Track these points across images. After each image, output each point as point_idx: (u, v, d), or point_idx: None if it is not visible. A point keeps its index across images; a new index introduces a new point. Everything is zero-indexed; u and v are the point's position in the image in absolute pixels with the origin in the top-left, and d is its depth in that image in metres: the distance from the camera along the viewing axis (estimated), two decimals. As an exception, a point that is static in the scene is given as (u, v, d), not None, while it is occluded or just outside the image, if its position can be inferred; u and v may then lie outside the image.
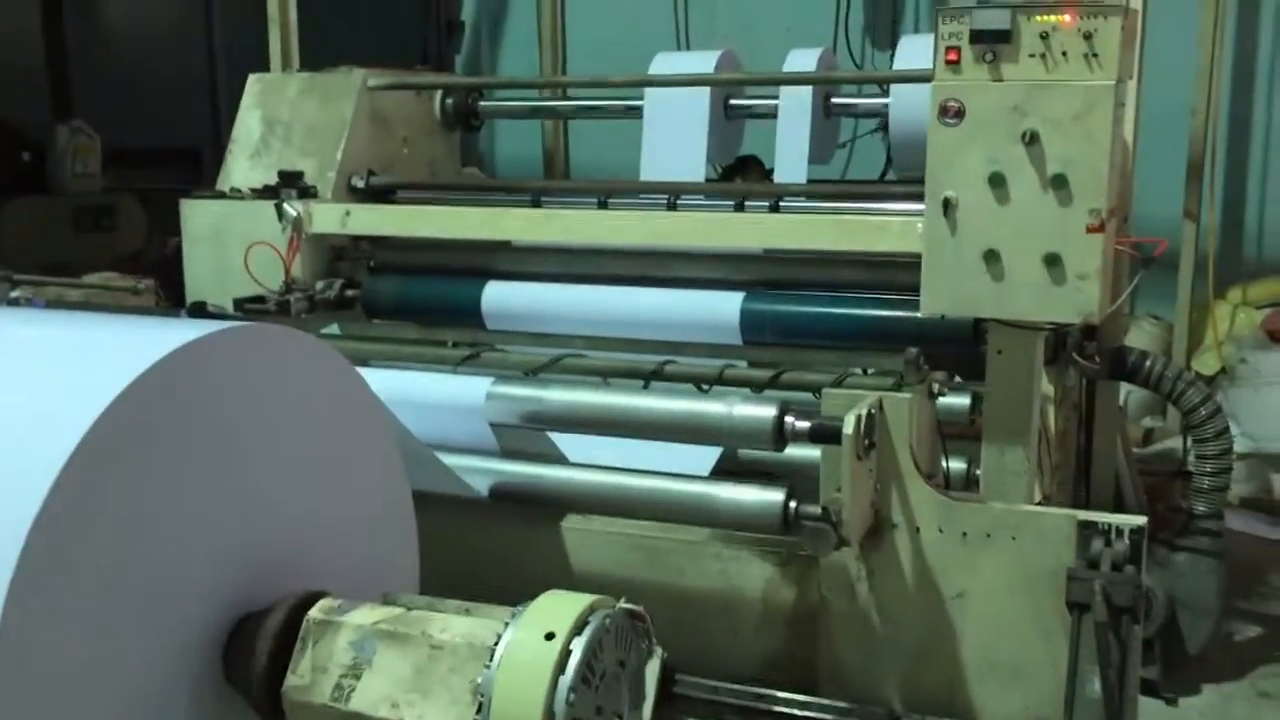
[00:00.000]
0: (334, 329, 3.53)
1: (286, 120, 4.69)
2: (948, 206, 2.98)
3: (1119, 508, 4.58)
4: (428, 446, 3.05)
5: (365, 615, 2.32)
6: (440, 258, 4.53)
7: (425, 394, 3.14)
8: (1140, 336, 6.45)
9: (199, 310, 3.62)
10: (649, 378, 3.39)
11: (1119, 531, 2.86)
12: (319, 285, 4.47)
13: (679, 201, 4.38)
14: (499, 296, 4.36)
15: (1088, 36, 2.87)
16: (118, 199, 6.03)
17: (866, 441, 2.86)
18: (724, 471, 3.33)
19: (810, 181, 4.48)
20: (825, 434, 2.87)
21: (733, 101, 4.73)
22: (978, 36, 2.93)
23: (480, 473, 3.13)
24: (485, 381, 3.10)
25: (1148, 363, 4.14)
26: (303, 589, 2.42)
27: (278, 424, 2.48)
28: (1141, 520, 2.86)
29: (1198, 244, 6.41)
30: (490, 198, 4.63)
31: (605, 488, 3.07)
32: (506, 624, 2.19)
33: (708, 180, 4.81)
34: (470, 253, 4.48)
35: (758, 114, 4.75)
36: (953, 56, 2.97)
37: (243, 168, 4.68)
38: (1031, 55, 2.92)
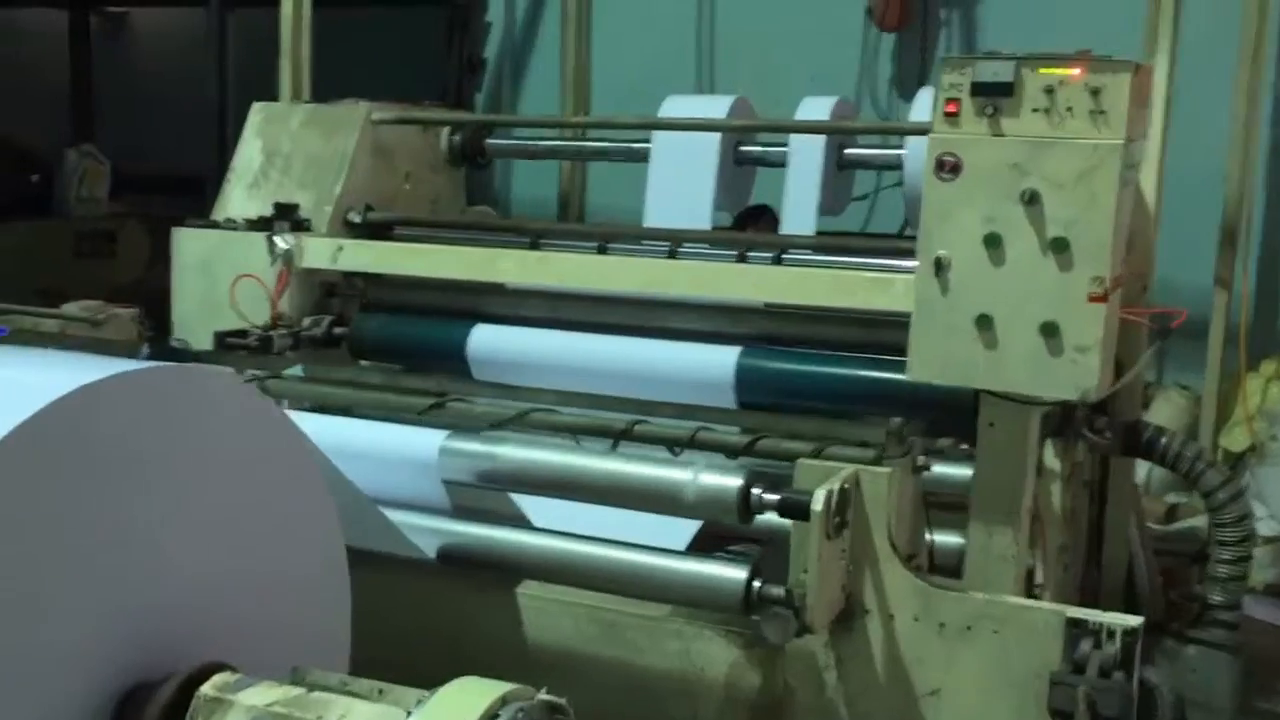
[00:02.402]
0: (297, 370, 3.29)
1: (287, 151, 4.46)
2: (940, 266, 2.72)
3: (1130, 592, 4.26)
4: (373, 502, 2.78)
5: (261, 694, 2.07)
6: (432, 298, 4.29)
7: (375, 445, 2.88)
8: (1166, 407, 6.11)
9: (159, 346, 3.38)
10: (618, 437, 3.11)
11: (1110, 632, 2.57)
12: (306, 322, 4.24)
13: (680, 250, 4.13)
14: (485, 341, 4.10)
15: (1095, 92, 2.60)
16: (121, 225, 5.83)
17: (837, 519, 2.58)
18: (723, 537, 3.06)
19: (819, 234, 4.20)
20: (794, 509, 2.60)
21: (743, 148, 4.47)
22: (979, 89, 2.66)
23: (429, 533, 2.86)
24: (439, 435, 2.83)
25: (1164, 439, 3.83)
26: (207, 657, 2.17)
27: (190, 476, 2.23)
28: (1135, 621, 2.57)
29: (1229, 313, 6.06)
30: (489, 238, 4.37)
31: (558, 554, 2.80)
32: (409, 713, 1.94)
33: (716, 229, 4.57)
34: (463, 294, 4.24)
35: (769, 162, 4.48)
36: (952, 109, 2.71)
37: (240, 198, 4.45)
38: (1035, 110, 2.65)
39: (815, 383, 3.77)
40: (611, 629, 2.88)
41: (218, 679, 2.10)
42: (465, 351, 4.10)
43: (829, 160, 4.24)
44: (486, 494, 2.96)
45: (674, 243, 4.15)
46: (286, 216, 4.26)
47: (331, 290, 4.35)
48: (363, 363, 4.37)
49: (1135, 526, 4.21)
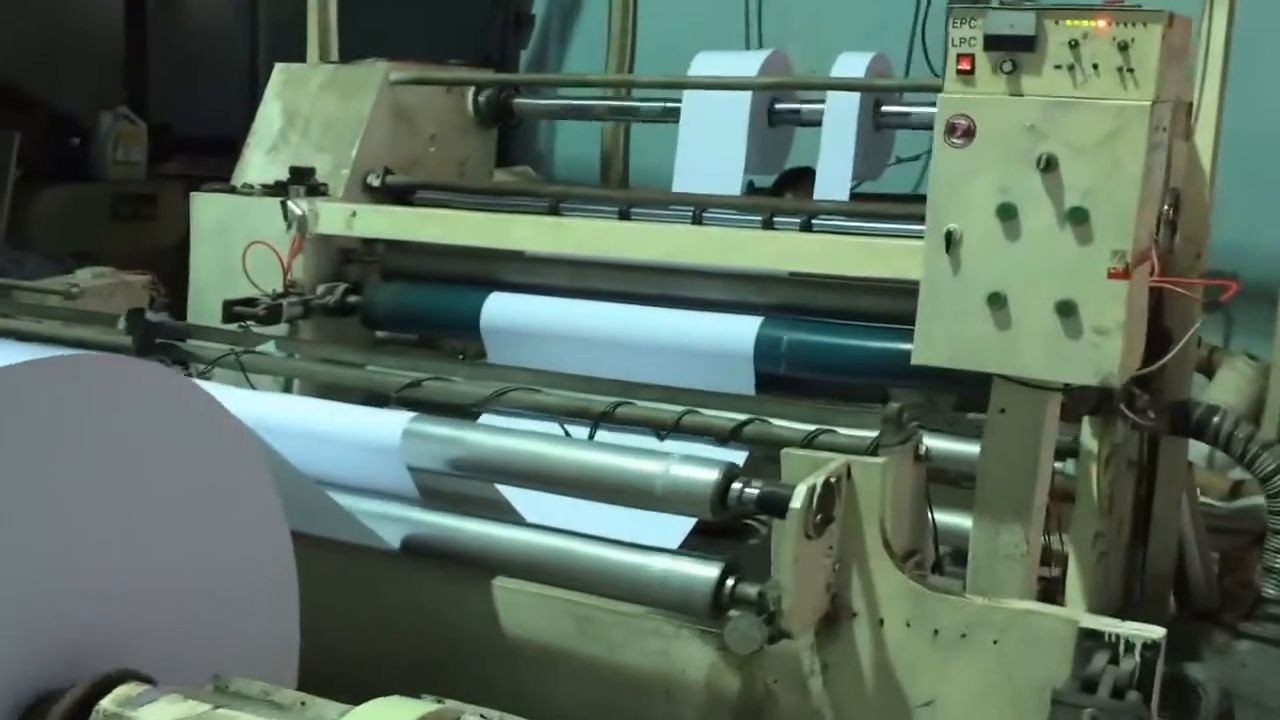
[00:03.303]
0: (270, 346, 3.08)
1: (306, 114, 4.25)
2: (950, 240, 2.43)
3: (1181, 579, 3.95)
4: (324, 489, 2.56)
5: (163, 710, 1.86)
6: (449, 265, 4.07)
7: (337, 427, 2.64)
8: (1232, 377, 5.71)
9: (137, 319, 3.17)
10: (598, 420, 2.86)
11: (1129, 645, 2.27)
12: (320, 290, 4.04)
13: (705, 215, 3.86)
14: (500, 309, 3.88)
15: (1123, 47, 2.30)
16: (161, 188, 5.68)
17: (818, 516, 2.30)
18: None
19: (853, 198, 3.92)
20: (775, 505, 2.34)
21: (778, 107, 4.18)
22: (994, 42, 2.36)
23: (393, 521, 2.63)
24: (404, 417, 2.60)
25: (1216, 419, 3.52)
26: (127, 665, 1.97)
27: (105, 471, 2.02)
28: (1157, 634, 2.27)
29: (1302, 278, 5.64)
30: (511, 202, 4.13)
31: (523, 548, 2.55)
32: (320, 731, 1.73)
33: (750, 193, 4.30)
34: (480, 261, 4.00)
35: (806, 121, 4.18)
36: (965, 65, 2.41)
37: (259, 162, 4.25)
38: (1058, 66, 2.35)
39: (839, 355, 3.52)
40: (588, 625, 2.64)
41: (120, 691, 1.90)
42: (479, 321, 3.89)
43: (864, 120, 3.95)
44: (469, 480, 2.71)
45: (699, 208, 3.88)
46: (302, 181, 4.06)
47: (348, 257, 4.13)
48: (379, 333, 4.18)
49: (1188, 510, 3.89)
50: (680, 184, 4.22)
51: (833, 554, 2.43)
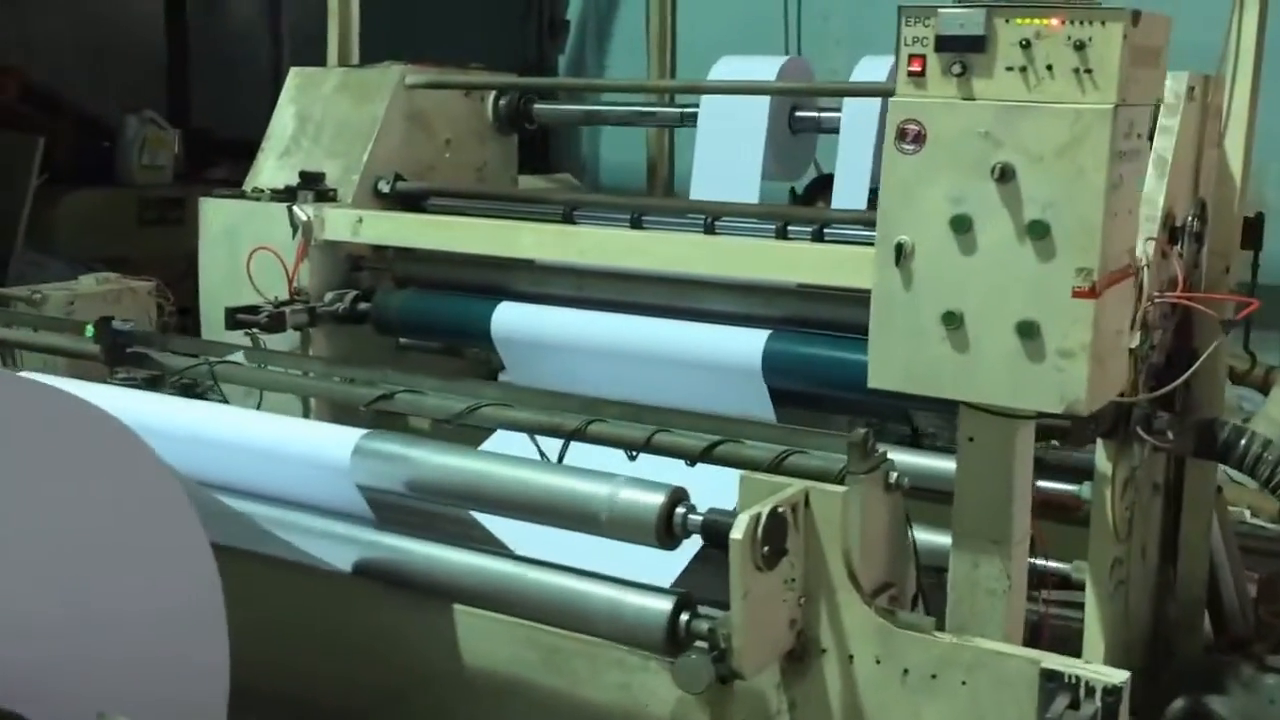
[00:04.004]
0: (238, 356, 2.99)
1: (319, 118, 4.17)
2: (901, 253, 2.25)
3: (1214, 606, 3.71)
4: (279, 506, 2.45)
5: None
6: (460, 273, 3.96)
7: (283, 444, 2.53)
8: (1283, 395, 5.39)
9: (104, 328, 3.10)
10: (569, 438, 2.72)
11: (1090, 688, 2.09)
12: (328, 297, 3.95)
13: (718, 224, 3.71)
14: (510, 319, 3.77)
15: (1080, 47, 2.10)
16: (189, 192, 5.62)
17: (765, 549, 2.15)
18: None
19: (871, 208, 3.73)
20: (717, 535, 2.19)
21: (799, 114, 4.01)
22: (945, 43, 2.18)
23: (344, 542, 2.51)
24: (355, 434, 2.48)
25: (1244, 441, 3.29)
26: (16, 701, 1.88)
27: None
28: (1119, 678, 2.09)
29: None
30: (524, 209, 4.00)
31: (475, 571, 2.42)
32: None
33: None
34: (491, 270, 3.90)
35: (828, 128, 4.01)
36: (916, 67, 2.23)
37: (271, 166, 4.17)
38: (1009, 68, 2.16)
39: (850, 370, 3.33)
40: (552, 654, 2.50)
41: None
42: (489, 330, 3.78)
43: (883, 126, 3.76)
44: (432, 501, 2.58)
45: (712, 216, 3.73)
46: (311, 186, 3.97)
47: (359, 264, 4.04)
48: (402, 341, 4.08)
49: (1219, 533, 3.65)
50: (697, 191, 4.07)
51: (795, 587, 2.28)
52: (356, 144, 4.08)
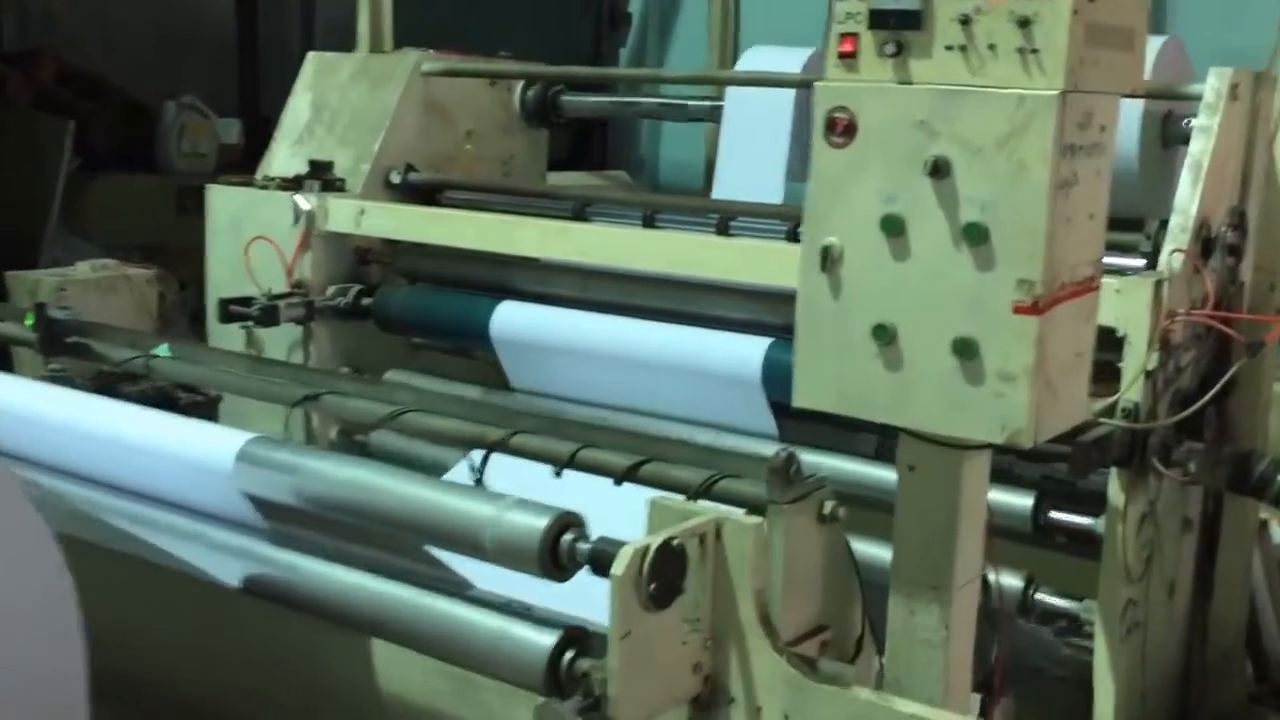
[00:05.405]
0: (163, 349, 2.79)
1: (334, 105, 3.98)
2: (828, 257, 1.95)
3: (1255, 650, 3.33)
4: (165, 509, 2.24)
5: None
6: (463, 270, 3.73)
7: (162, 442, 2.31)
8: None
9: (40, 314, 2.91)
10: (490, 449, 2.46)
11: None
12: (329, 291, 3.75)
13: (732, 225, 3.43)
14: (509, 319, 3.53)
15: (1024, 23, 1.77)
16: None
17: (653, 586, 1.86)
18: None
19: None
20: (601, 566, 1.91)
21: (828, 108, 3.69)
22: (879, 19, 1.87)
23: (232, 554, 2.28)
24: (242, 437, 2.25)
25: (1282, 475, 2.91)
26: None
27: None
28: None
29: None
30: (537, 205, 3.77)
31: (359, 593, 2.16)
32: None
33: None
34: (494, 267, 3.67)
35: (858, 123, 3.68)
36: (848, 47, 1.92)
37: (284, 154, 4.01)
38: (949, 47, 1.85)
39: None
40: (465, 686, 2.26)
41: None
42: (489, 330, 3.55)
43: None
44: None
45: (725, 215, 3.46)
46: (319, 175, 3.78)
47: (365, 258, 3.84)
48: (415, 340, 3.88)
49: (1261, 573, 3.27)
50: (719, 190, 3.80)
51: (701, 628, 1.99)
52: (369, 133, 3.88)
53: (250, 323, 3.57)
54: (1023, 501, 2.93)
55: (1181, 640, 3.15)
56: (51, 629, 1.99)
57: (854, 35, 1.90)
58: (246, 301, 3.58)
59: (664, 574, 1.88)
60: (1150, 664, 2.97)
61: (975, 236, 1.83)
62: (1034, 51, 1.77)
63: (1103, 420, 2.56)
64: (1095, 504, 2.87)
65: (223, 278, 3.83)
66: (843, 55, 1.91)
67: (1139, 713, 2.94)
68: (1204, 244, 2.84)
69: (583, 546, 1.97)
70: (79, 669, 2.01)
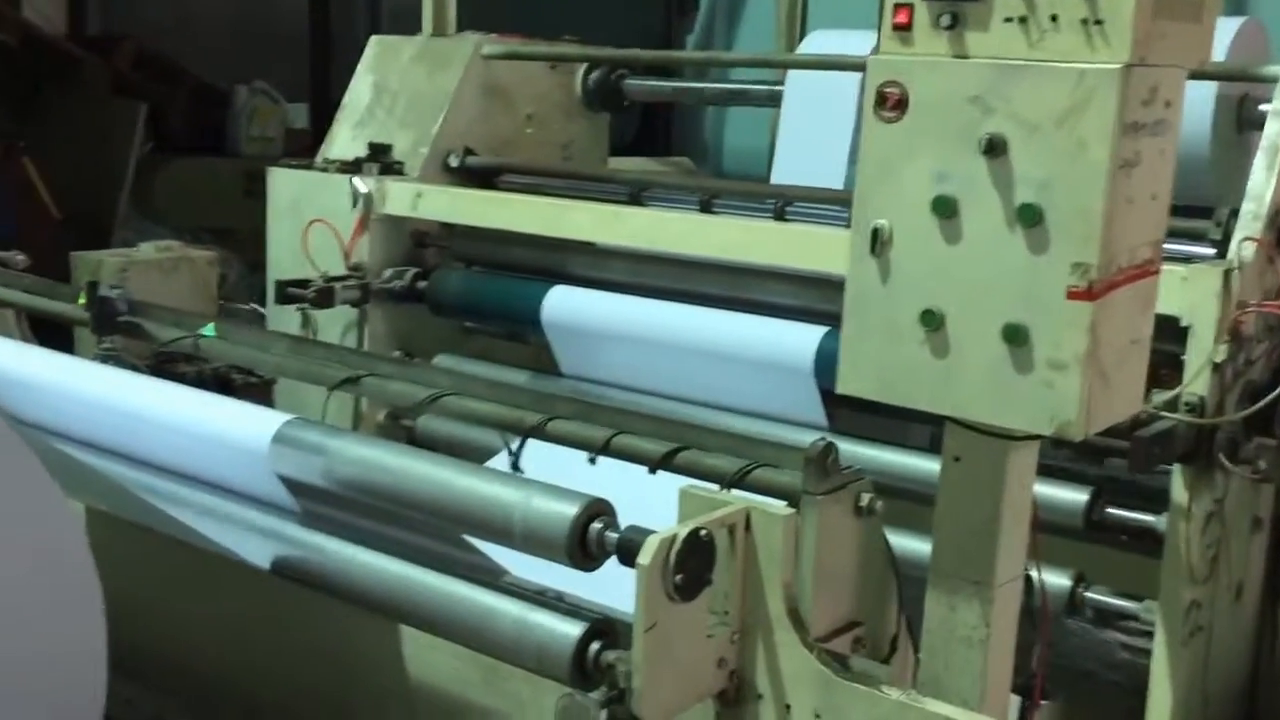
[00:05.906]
0: (209, 329, 2.75)
1: (395, 88, 3.93)
2: (877, 239, 1.85)
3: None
4: (198, 489, 2.19)
5: None
6: (520, 254, 3.67)
7: (200, 423, 2.26)
8: None
9: (93, 294, 2.88)
10: (527, 434, 2.39)
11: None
12: (386, 274, 3.70)
13: (788, 211, 3.34)
14: (560, 304, 3.46)
15: (1089, -5, 1.67)
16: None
17: (678, 577, 1.78)
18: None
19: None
20: (628, 555, 1.84)
21: (893, 92, 3.59)
22: (934, -10, 1.78)
23: (264, 536, 2.22)
24: (279, 419, 2.19)
25: (1357, 477, 2.77)
26: None
27: None
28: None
29: None
30: (595, 189, 3.69)
31: (385, 578, 2.10)
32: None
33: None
34: (549, 251, 3.59)
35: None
36: (902, 19, 1.83)
37: (345, 137, 3.96)
38: (1008, 19, 1.74)
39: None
40: (493, 674, 2.20)
41: None
42: (540, 314, 3.48)
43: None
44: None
45: (783, 201, 3.37)
46: (378, 158, 3.74)
47: (423, 240, 3.78)
48: (467, 324, 3.81)
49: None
50: (779, 175, 3.71)
51: (729, 621, 1.91)
52: (428, 116, 3.83)
53: (306, 305, 3.52)
54: (1077, 496, 2.81)
55: (1249, 645, 3.02)
56: (71, 601, 1.95)
57: (909, 6, 1.81)
58: (303, 284, 3.54)
59: (691, 564, 1.80)
60: (1213, 669, 2.84)
61: (1030, 218, 1.73)
62: (1098, 22, 1.66)
63: (1165, 414, 2.44)
64: (1152, 500, 2.75)
65: (283, 259, 3.79)
66: (897, 27, 1.82)
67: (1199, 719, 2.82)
68: (1278, 233, 2.71)
69: (611, 535, 1.89)
70: (99, 644, 1.98)
